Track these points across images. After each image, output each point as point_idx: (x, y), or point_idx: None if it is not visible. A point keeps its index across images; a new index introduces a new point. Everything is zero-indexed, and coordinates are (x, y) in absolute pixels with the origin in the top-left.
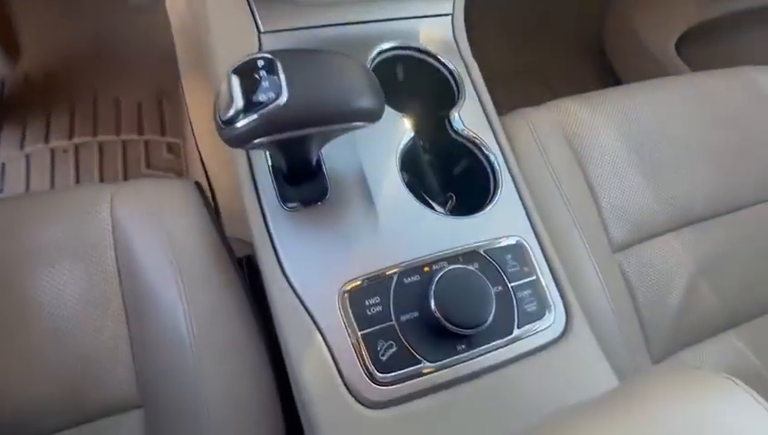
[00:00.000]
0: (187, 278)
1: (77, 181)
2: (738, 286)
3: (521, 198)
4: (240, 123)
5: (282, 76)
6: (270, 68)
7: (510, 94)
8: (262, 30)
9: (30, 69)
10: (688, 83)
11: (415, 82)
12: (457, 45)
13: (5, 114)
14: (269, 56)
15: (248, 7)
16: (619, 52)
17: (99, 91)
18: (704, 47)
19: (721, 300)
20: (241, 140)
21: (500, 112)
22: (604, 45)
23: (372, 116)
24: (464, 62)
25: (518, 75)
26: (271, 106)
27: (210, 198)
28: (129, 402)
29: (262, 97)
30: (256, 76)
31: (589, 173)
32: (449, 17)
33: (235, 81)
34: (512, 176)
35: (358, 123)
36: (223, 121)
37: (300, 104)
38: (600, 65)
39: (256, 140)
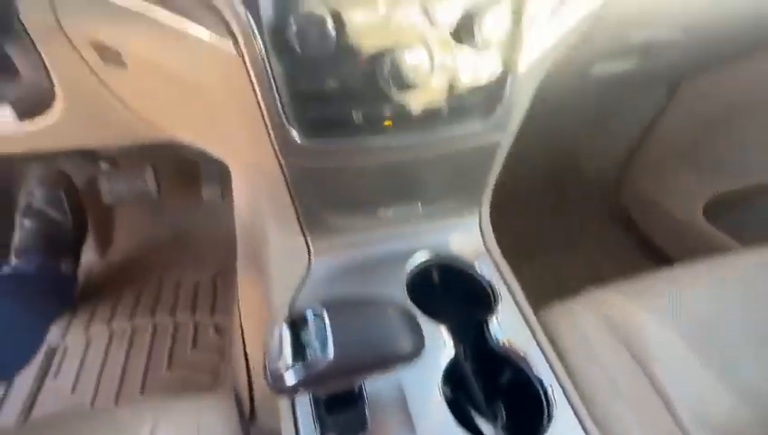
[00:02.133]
0: None
1: (125, 365)
2: None
3: (580, 423)
4: (288, 379)
5: (329, 332)
6: (318, 322)
7: (539, 270)
8: (312, 253)
9: (114, 259)
10: (743, 261)
11: (450, 286)
12: (487, 249)
13: (81, 298)
14: (318, 311)
15: (301, 233)
16: (647, 222)
17: (164, 274)
18: (737, 214)
19: None
20: (287, 393)
21: (536, 294)
22: (630, 214)
23: (413, 358)
24: (495, 264)
25: (546, 250)
26: (319, 365)
27: (247, 402)
28: None
29: (310, 353)
30: (305, 331)
31: (652, 373)
32: (477, 223)
33: (286, 334)
34: (568, 399)
35: (400, 366)
36: (271, 372)
37: (345, 360)
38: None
39: (301, 389)
